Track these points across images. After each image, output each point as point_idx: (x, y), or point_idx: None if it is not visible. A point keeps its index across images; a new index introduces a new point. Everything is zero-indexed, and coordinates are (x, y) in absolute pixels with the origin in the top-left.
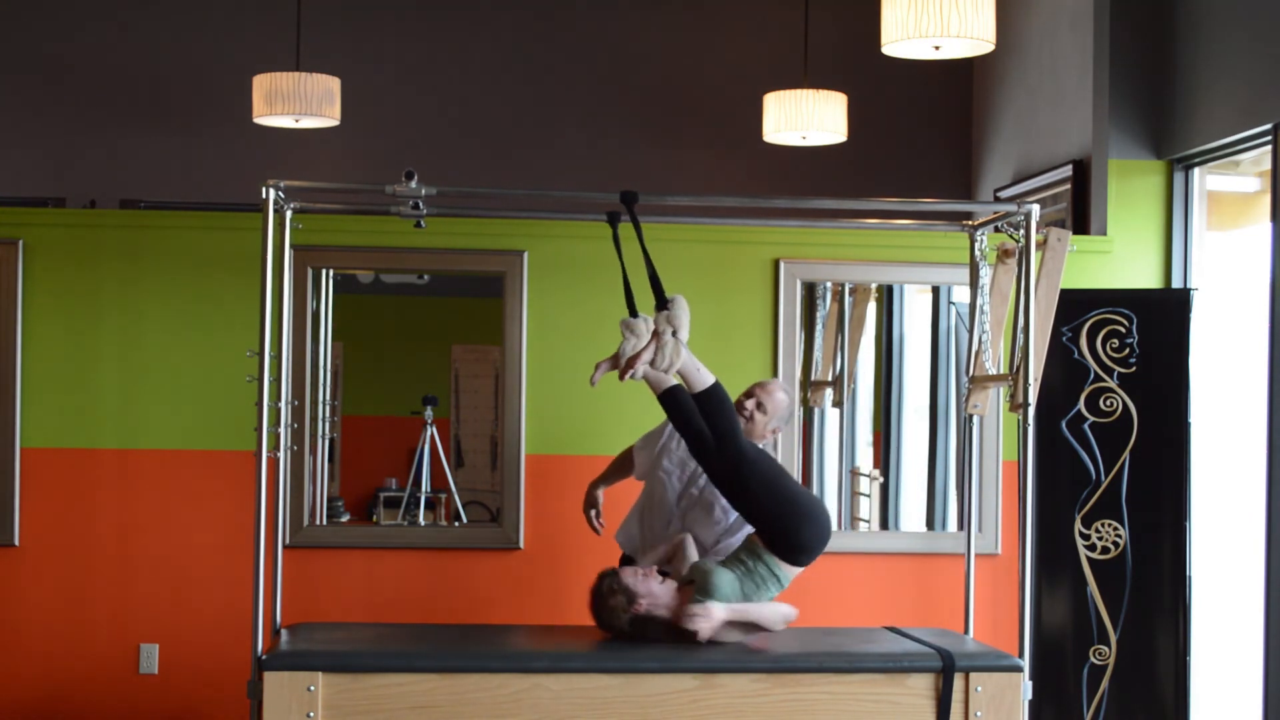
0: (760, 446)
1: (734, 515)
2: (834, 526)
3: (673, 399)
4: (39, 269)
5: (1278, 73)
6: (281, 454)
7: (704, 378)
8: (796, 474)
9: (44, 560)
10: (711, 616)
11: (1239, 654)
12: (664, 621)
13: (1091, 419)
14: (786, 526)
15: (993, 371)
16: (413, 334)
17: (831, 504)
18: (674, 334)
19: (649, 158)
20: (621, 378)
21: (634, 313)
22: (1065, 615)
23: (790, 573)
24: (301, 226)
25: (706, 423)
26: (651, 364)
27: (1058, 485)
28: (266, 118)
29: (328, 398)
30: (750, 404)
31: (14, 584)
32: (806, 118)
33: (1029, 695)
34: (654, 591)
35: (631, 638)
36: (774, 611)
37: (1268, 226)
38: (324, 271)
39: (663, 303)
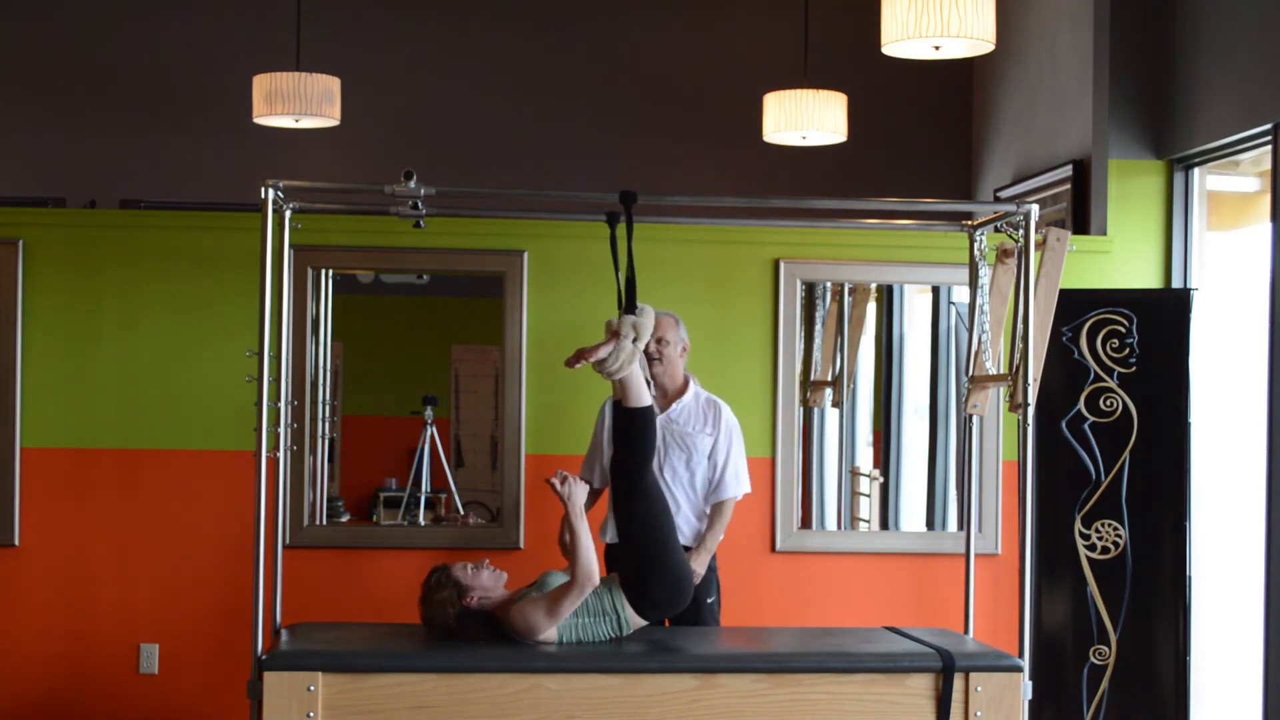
0: (664, 494)
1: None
2: (690, 590)
3: (639, 415)
4: (39, 269)
5: (1278, 73)
6: (281, 454)
7: (644, 396)
8: (797, 473)
9: (44, 560)
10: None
11: (1239, 654)
12: (490, 614)
13: (1091, 419)
14: (644, 573)
15: (992, 371)
16: (413, 334)
17: (831, 504)
18: (634, 340)
19: (649, 158)
20: (568, 364)
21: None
22: (1065, 615)
23: (632, 619)
24: (301, 226)
25: (627, 440)
26: (602, 364)
27: (1058, 485)
28: (266, 118)
29: (328, 398)
30: (654, 348)
31: (14, 584)
32: (806, 118)
33: (1029, 695)
34: (485, 584)
35: (455, 633)
36: (589, 556)
37: (1268, 226)
38: (324, 271)
39: (633, 308)
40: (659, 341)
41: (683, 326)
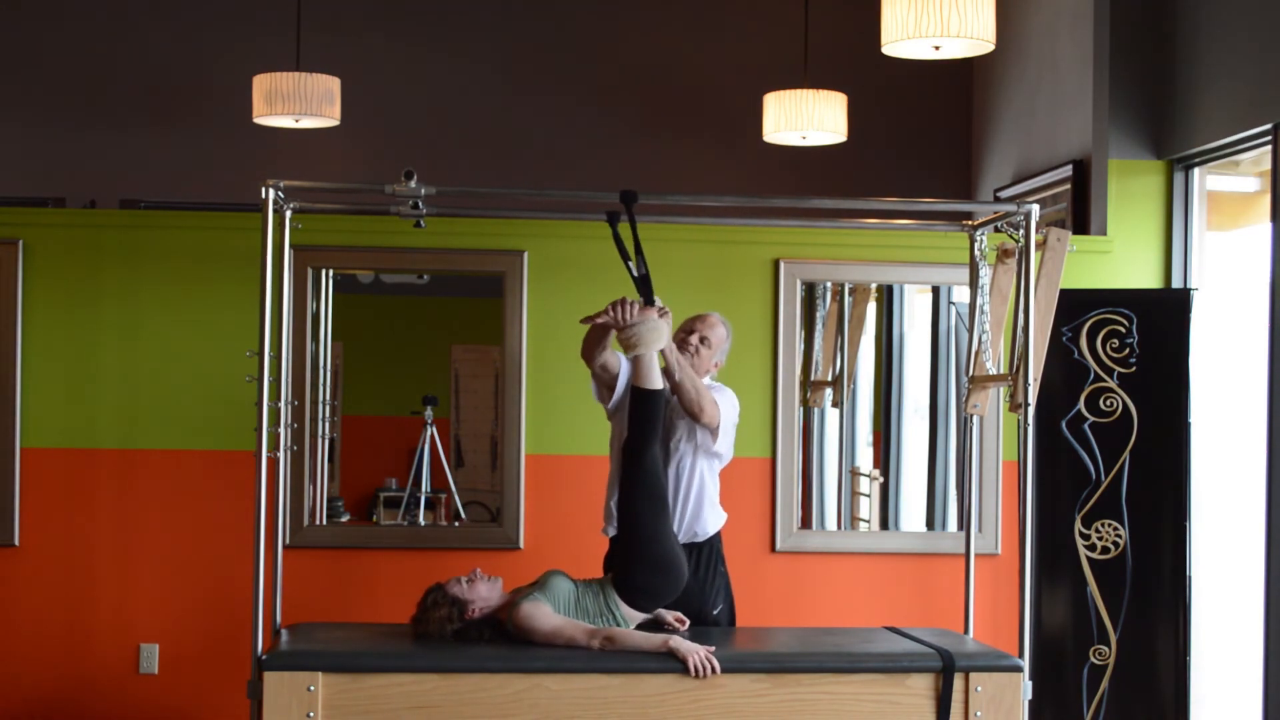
0: (662, 478)
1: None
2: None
3: (646, 395)
4: (39, 269)
5: (1278, 73)
6: (281, 454)
7: (657, 380)
8: (796, 473)
9: (44, 560)
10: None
11: (1239, 654)
12: (492, 616)
13: (1091, 419)
14: (634, 556)
15: (993, 371)
16: (413, 334)
17: (831, 504)
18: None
19: (649, 157)
20: (586, 321)
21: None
22: (1065, 615)
23: (629, 617)
24: (301, 226)
25: (631, 419)
26: (620, 330)
27: (1058, 485)
28: (266, 118)
29: (328, 398)
30: (694, 340)
31: (14, 584)
32: (806, 118)
33: (1029, 695)
34: (483, 595)
35: (460, 642)
36: None
37: (1268, 226)
38: (324, 271)
39: (650, 302)
40: (701, 340)
41: (729, 343)
